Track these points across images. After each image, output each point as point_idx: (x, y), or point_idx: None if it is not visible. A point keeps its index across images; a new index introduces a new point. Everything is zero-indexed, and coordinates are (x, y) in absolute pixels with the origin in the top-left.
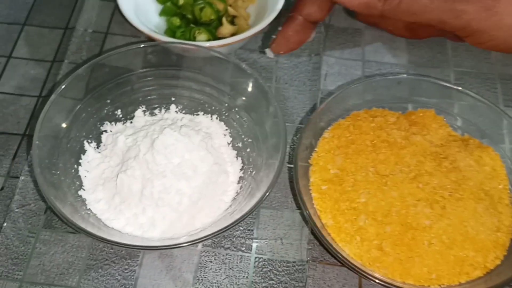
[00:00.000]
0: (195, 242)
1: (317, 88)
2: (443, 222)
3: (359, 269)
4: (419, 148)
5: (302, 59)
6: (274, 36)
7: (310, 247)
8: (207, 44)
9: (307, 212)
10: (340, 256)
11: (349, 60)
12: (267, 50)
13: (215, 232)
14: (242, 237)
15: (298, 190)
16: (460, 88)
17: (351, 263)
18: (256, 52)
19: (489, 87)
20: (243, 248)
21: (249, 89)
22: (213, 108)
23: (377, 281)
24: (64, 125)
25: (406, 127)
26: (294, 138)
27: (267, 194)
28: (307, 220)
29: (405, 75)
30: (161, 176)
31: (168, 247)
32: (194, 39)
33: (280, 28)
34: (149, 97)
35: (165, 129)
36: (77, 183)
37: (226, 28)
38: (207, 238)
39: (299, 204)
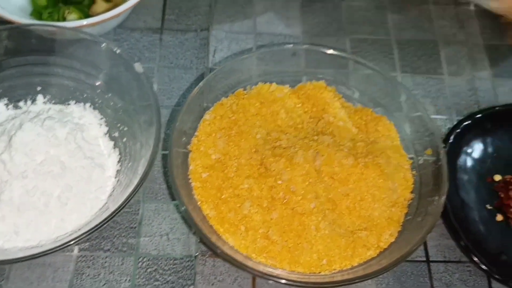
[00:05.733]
0: (58, 248)
1: (205, 66)
2: (329, 204)
3: (237, 262)
4: (308, 126)
5: (188, 35)
6: None
7: (199, 240)
8: (73, 24)
9: (183, 208)
10: (219, 252)
11: (240, 33)
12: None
13: (84, 233)
14: (123, 236)
15: (173, 180)
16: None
17: (229, 257)
18: (138, 30)
19: (386, 54)
20: (125, 249)
21: (120, 71)
22: (85, 96)
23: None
24: None
25: (296, 102)
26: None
27: (139, 185)
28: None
29: (291, 45)
30: (21, 177)
31: (25, 259)
32: (64, 20)
33: None
34: (12, 88)
35: (24, 124)
36: None
37: (100, 5)
38: (76, 241)
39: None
